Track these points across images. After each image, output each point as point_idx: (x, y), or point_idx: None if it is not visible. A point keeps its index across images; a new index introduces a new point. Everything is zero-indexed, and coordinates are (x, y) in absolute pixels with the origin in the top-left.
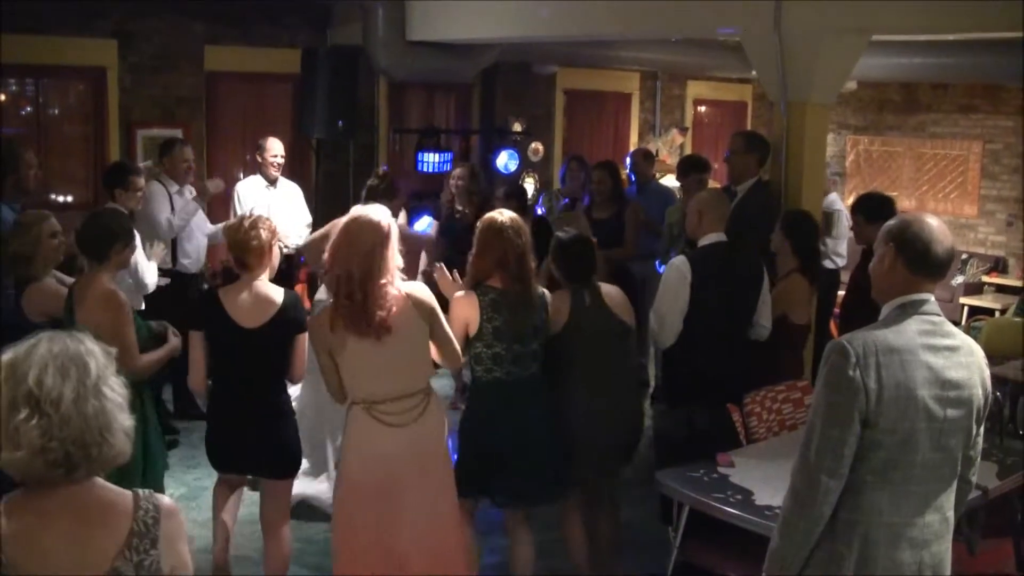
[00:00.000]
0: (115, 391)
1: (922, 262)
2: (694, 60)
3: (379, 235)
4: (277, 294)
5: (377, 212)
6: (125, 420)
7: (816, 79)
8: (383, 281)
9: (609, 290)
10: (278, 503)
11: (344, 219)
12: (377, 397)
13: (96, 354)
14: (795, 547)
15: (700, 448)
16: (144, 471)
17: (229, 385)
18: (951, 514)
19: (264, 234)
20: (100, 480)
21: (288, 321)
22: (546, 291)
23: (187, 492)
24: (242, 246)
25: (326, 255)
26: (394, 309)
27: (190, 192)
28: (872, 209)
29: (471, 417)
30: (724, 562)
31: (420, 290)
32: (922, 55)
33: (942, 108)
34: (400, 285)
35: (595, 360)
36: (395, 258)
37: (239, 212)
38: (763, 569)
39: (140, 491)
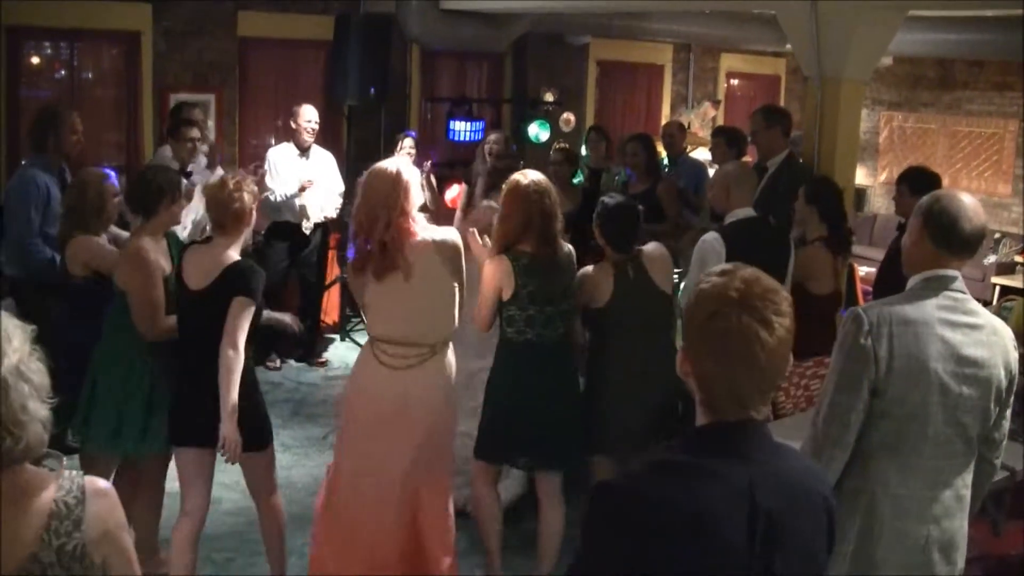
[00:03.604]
0: (34, 377)
1: (947, 238)
2: (728, 33)
3: (392, 181)
4: (229, 259)
5: (391, 162)
6: (41, 410)
7: (851, 54)
8: (402, 224)
9: (652, 251)
10: (256, 475)
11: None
12: (384, 337)
13: (13, 337)
14: None
15: None
16: (146, 432)
17: (184, 350)
18: (966, 492)
19: (247, 197)
20: (26, 465)
21: (227, 283)
22: (571, 248)
23: None
24: (222, 206)
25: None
26: (416, 251)
27: (202, 155)
28: (917, 182)
29: (499, 377)
30: None
31: (446, 235)
32: (958, 31)
33: (977, 86)
34: (426, 230)
35: (638, 335)
36: (413, 201)
37: (273, 179)
38: None
39: (67, 471)
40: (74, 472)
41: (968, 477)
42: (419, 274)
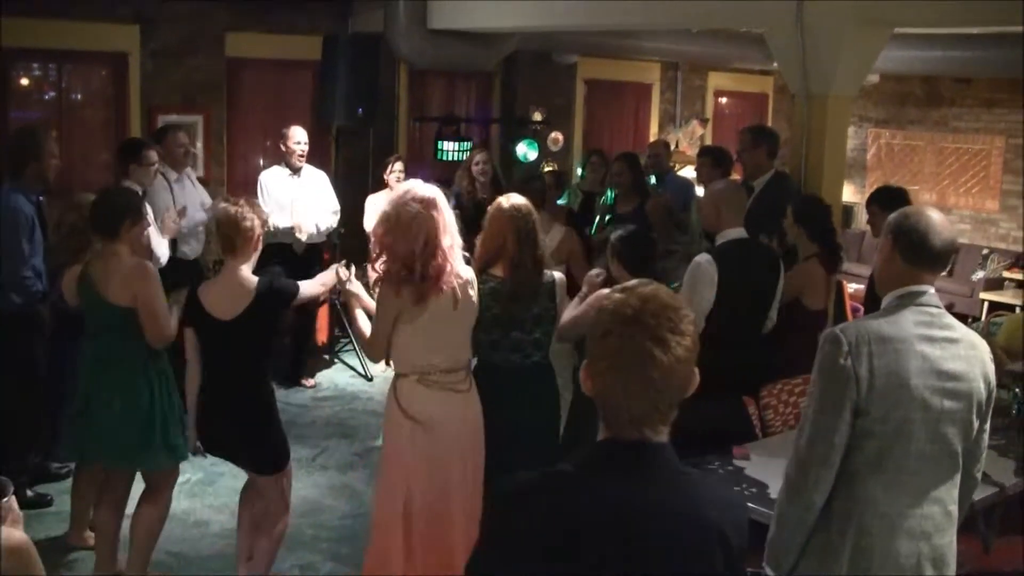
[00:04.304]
0: None
1: (918, 253)
2: (715, 51)
3: (428, 205)
4: (252, 283)
5: (420, 185)
6: None
7: (838, 72)
8: (444, 246)
9: None
10: (263, 498)
11: (392, 199)
12: (431, 367)
13: None
14: (789, 535)
15: (716, 440)
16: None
17: (214, 377)
18: (953, 508)
19: (256, 220)
20: None
21: (264, 308)
22: (557, 275)
23: (203, 477)
24: (233, 225)
25: (377, 236)
26: (459, 277)
27: (188, 178)
28: (886, 199)
29: None
30: None
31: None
32: (945, 48)
33: (964, 102)
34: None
35: None
36: (450, 223)
37: (264, 202)
38: (763, 559)
39: None
40: None
41: (955, 492)
42: (464, 301)
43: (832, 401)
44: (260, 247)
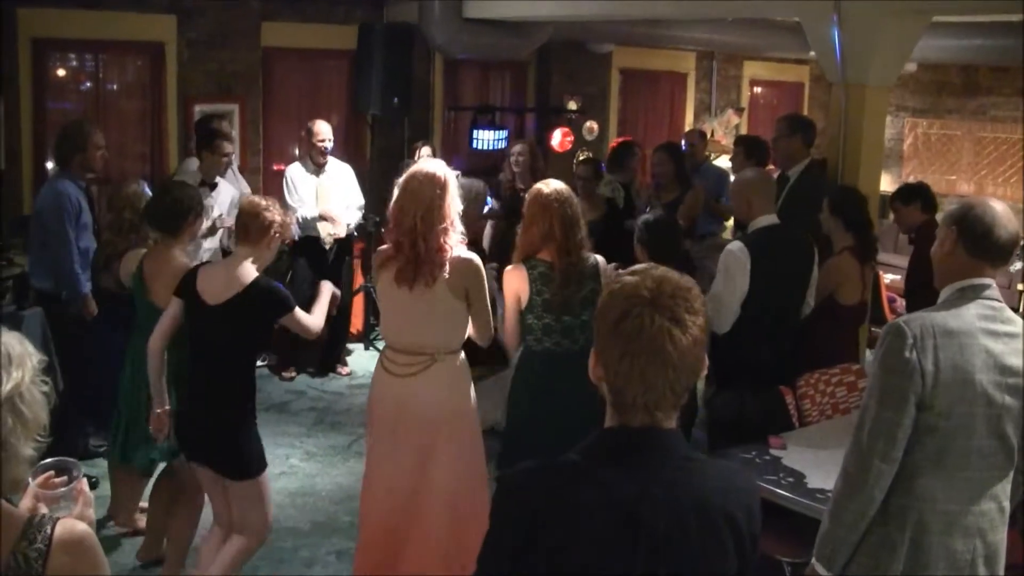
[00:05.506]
0: (26, 411)
1: (983, 246)
2: (751, 40)
3: (436, 185)
4: (249, 275)
5: (433, 164)
6: (25, 449)
7: (875, 60)
8: (443, 229)
9: None
10: (244, 503)
11: (403, 177)
12: (391, 344)
13: (13, 364)
14: (845, 531)
15: (752, 430)
16: None
17: (196, 367)
18: (1007, 504)
19: (276, 216)
20: None
21: (253, 301)
22: (599, 258)
23: None
24: (253, 214)
25: (390, 211)
26: (446, 266)
27: (231, 170)
28: (907, 195)
29: (519, 385)
30: (774, 545)
31: (469, 257)
32: (983, 37)
33: (1003, 91)
34: (457, 248)
35: None
36: (454, 206)
37: (291, 196)
38: (813, 553)
39: (41, 514)
40: (51, 517)
41: (1008, 488)
42: (438, 287)
43: (895, 395)
44: (275, 246)
